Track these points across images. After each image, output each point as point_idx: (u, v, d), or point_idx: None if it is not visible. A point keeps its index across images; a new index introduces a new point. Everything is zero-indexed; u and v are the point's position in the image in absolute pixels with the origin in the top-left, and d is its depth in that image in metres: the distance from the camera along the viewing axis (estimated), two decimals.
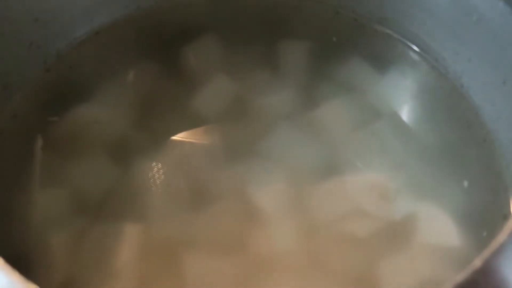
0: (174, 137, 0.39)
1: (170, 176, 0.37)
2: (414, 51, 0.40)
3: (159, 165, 0.38)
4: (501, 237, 0.24)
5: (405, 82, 0.41)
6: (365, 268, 0.34)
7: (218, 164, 0.38)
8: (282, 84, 0.41)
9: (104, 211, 0.36)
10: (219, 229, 0.35)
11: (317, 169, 0.38)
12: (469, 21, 0.36)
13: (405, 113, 0.40)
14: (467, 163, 0.37)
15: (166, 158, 0.38)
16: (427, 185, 0.37)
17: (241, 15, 0.42)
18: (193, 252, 0.34)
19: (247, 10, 0.42)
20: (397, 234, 0.35)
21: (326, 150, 0.38)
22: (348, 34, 0.42)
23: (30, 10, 0.37)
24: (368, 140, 0.39)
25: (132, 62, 0.41)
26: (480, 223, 0.34)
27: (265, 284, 0.34)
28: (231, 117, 0.40)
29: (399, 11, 0.40)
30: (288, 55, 0.42)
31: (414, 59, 0.40)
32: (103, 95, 0.40)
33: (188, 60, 0.42)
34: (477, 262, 0.23)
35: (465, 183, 0.36)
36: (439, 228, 0.35)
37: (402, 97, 0.41)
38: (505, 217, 0.33)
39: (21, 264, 0.24)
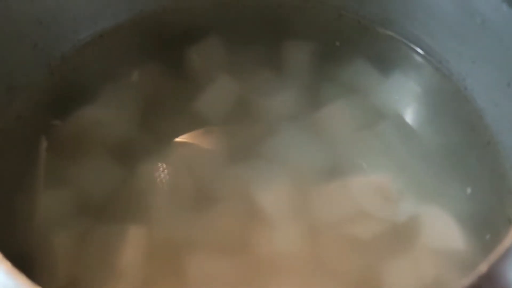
0: (177, 139, 0.39)
1: (174, 178, 0.38)
2: (418, 53, 0.40)
3: (163, 167, 0.38)
4: (507, 241, 0.23)
5: (409, 84, 0.41)
6: (368, 270, 0.34)
7: (221, 166, 0.38)
8: (285, 85, 0.41)
9: (107, 212, 0.36)
10: (223, 230, 0.35)
11: (320, 171, 0.38)
12: (473, 23, 0.36)
13: (409, 115, 0.40)
14: (471, 165, 0.37)
15: (169, 159, 0.38)
16: (431, 187, 0.37)
17: (244, 16, 0.42)
18: (197, 253, 0.34)
19: (250, 12, 0.42)
20: (400, 236, 0.35)
21: (329, 152, 0.38)
22: (352, 35, 0.42)
23: (34, 13, 0.37)
24: (372, 142, 0.39)
25: (136, 64, 0.41)
26: (483, 225, 0.34)
27: (269, 286, 0.34)
28: (235, 118, 0.40)
29: (402, 13, 0.40)
30: (291, 56, 0.42)
31: (417, 61, 0.40)
32: (107, 97, 0.40)
33: (192, 61, 0.42)
34: (483, 267, 0.23)
35: (469, 186, 0.36)
36: (442, 230, 0.35)
37: (406, 99, 0.41)
38: (509, 220, 0.33)
39: (24, 264, 0.24)
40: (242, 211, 0.36)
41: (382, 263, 0.34)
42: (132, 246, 0.34)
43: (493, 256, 0.23)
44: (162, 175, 0.38)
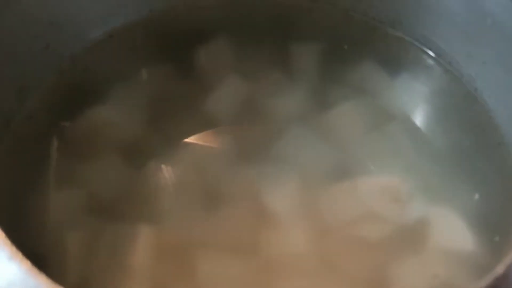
0: (187, 139, 0.39)
1: (183, 178, 0.38)
2: (427, 54, 0.40)
3: (172, 167, 0.38)
4: None
5: (418, 85, 0.41)
6: (377, 272, 0.34)
7: (230, 166, 0.38)
8: (294, 86, 0.41)
9: (118, 212, 0.36)
10: (232, 230, 0.35)
11: (330, 172, 0.38)
12: (483, 24, 0.36)
13: (418, 117, 0.40)
14: (481, 166, 0.37)
15: (179, 159, 0.38)
16: (440, 189, 0.37)
17: (253, 17, 0.42)
18: (206, 253, 0.34)
19: (259, 12, 0.42)
20: (410, 237, 0.35)
21: (338, 153, 0.38)
22: (360, 37, 0.42)
23: (45, 13, 0.37)
24: (381, 143, 0.39)
25: (145, 64, 0.41)
26: (492, 227, 0.34)
27: (277, 286, 0.34)
28: (244, 119, 0.40)
29: (412, 14, 0.40)
30: (300, 57, 0.42)
31: (427, 62, 0.40)
32: (117, 97, 0.40)
33: (201, 62, 0.42)
34: (500, 269, 0.23)
35: (478, 187, 0.36)
36: (451, 231, 0.35)
37: (415, 100, 0.40)
38: None
39: (36, 264, 0.24)
40: (251, 212, 0.36)
41: (391, 265, 0.34)
42: (143, 246, 0.34)
43: (509, 258, 0.23)
44: (172, 175, 0.38)
